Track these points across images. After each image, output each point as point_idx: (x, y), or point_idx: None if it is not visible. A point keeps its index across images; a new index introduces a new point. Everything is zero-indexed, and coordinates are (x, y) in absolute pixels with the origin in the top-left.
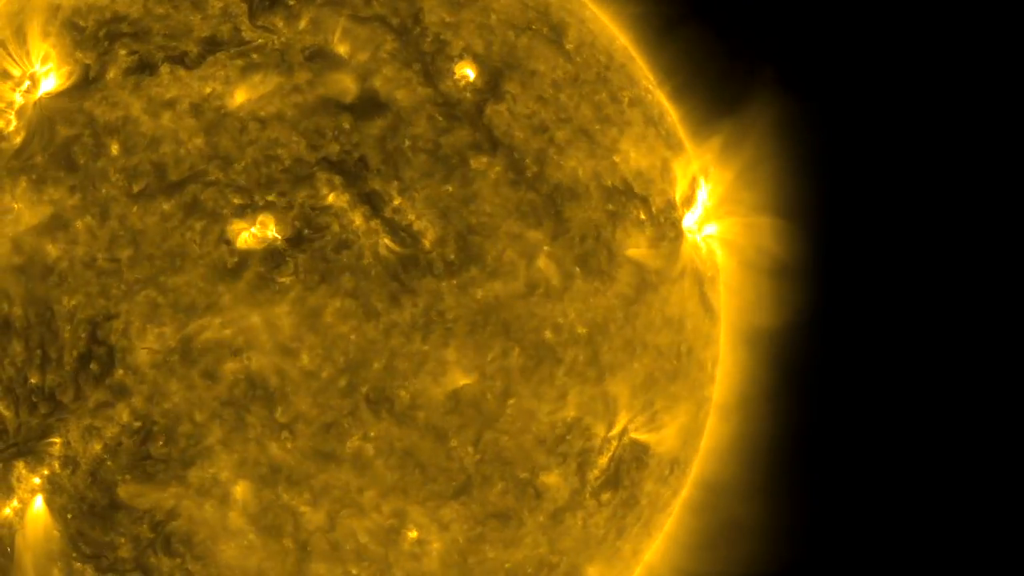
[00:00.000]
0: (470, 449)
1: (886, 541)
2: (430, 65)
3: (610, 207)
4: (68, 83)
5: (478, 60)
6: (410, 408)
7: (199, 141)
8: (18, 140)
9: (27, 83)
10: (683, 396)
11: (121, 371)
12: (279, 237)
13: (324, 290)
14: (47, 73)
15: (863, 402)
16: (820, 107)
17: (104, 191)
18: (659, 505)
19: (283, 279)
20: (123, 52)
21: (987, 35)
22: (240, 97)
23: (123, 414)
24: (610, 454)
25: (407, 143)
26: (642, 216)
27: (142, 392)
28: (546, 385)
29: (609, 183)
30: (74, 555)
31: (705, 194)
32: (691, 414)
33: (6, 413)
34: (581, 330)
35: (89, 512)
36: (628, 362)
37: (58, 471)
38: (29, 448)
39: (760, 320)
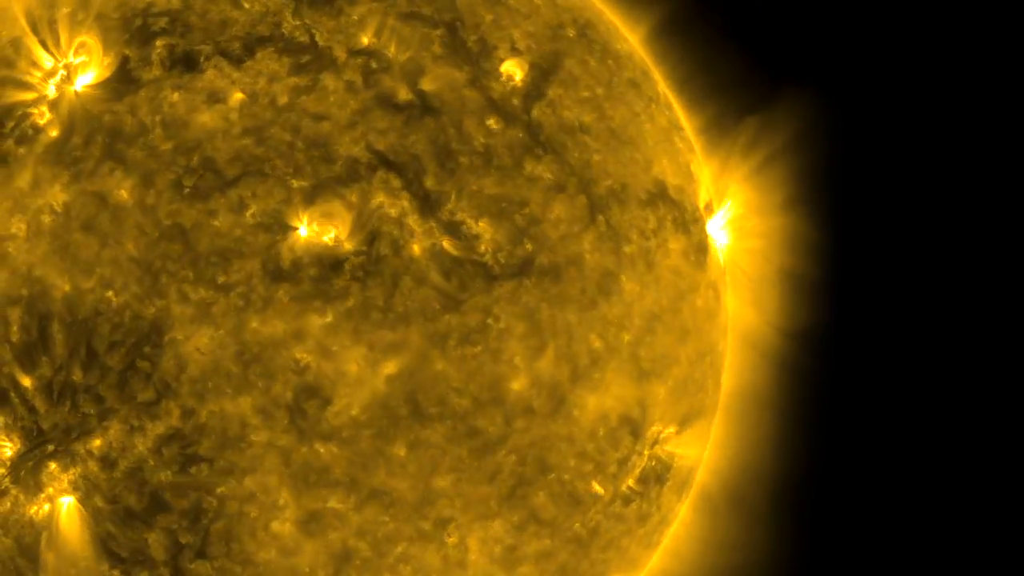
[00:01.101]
0: (513, 457)
1: (893, 545)
2: (477, 66)
3: (648, 213)
4: (107, 76)
5: (523, 60)
6: (461, 414)
7: (250, 138)
8: (54, 133)
9: (61, 74)
10: (705, 406)
11: (170, 370)
12: (336, 238)
13: (380, 292)
14: (83, 65)
15: (873, 409)
16: (836, 112)
17: (154, 187)
18: (669, 518)
19: (340, 281)
20: (163, 45)
21: (1009, 40)
22: (291, 95)
23: (170, 414)
24: (643, 465)
25: (461, 145)
26: (677, 222)
27: (191, 391)
28: (592, 392)
29: (648, 188)
30: (103, 556)
31: (722, 200)
32: (707, 424)
33: (42, 410)
34: (626, 337)
35: (124, 512)
36: (665, 371)
37: (94, 470)
38: (66, 447)
39: (773, 326)
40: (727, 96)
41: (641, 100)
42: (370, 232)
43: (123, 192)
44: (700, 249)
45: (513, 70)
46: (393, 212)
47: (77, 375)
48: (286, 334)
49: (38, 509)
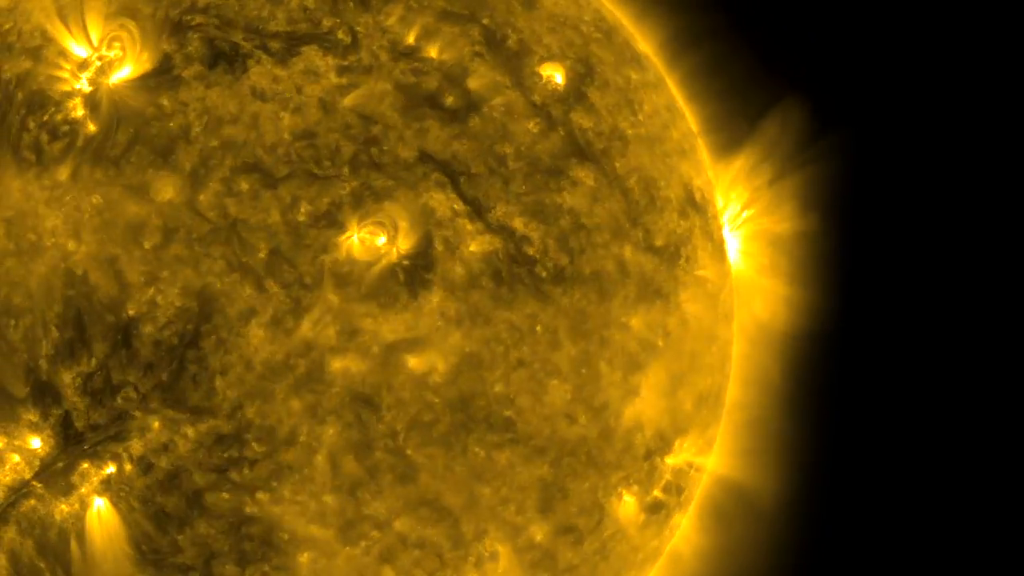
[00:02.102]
0: (551, 466)
1: (900, 550)
2: (517, 68)
3: (680, 219)
4: (145, 71)
5: (561, 64)
6: (507, 421)
7: (298, 139)
8: (92, 127)
9: (95, 67)
10: (718, 415)
11: (214, 371)
12: (388, 241)
13: (432, 296)
14: (118, 59)
15: (881, 414)
16: (846, 119)
17: (201, 186)
18: (675, 530)
19: (392, 284)
20: (203, 40)
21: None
22: (338, 94)
23: (214, 416)
24: (668, 475)
25: (507, 148)
26: (703, 229)
27: (235, 394)
28: (629, 402)
29: (679, 195)
30: (135, 559)
31: (734, 205)
32: (717, 430)
33: (79, 408)
34: (661, 343)
35: (159, 515)
36: (692, 381)
37: (130, 471)
38: (103, 446)
39: (779, 327)
40: (737, 103)
41: (664, 106)
42: (422, 235)
43: (169, 190)
44: (721, 255)
45: (552, 73)
46: (445, 214)
47: (118, 374)
48: (336, 338)
49: (68, 509)
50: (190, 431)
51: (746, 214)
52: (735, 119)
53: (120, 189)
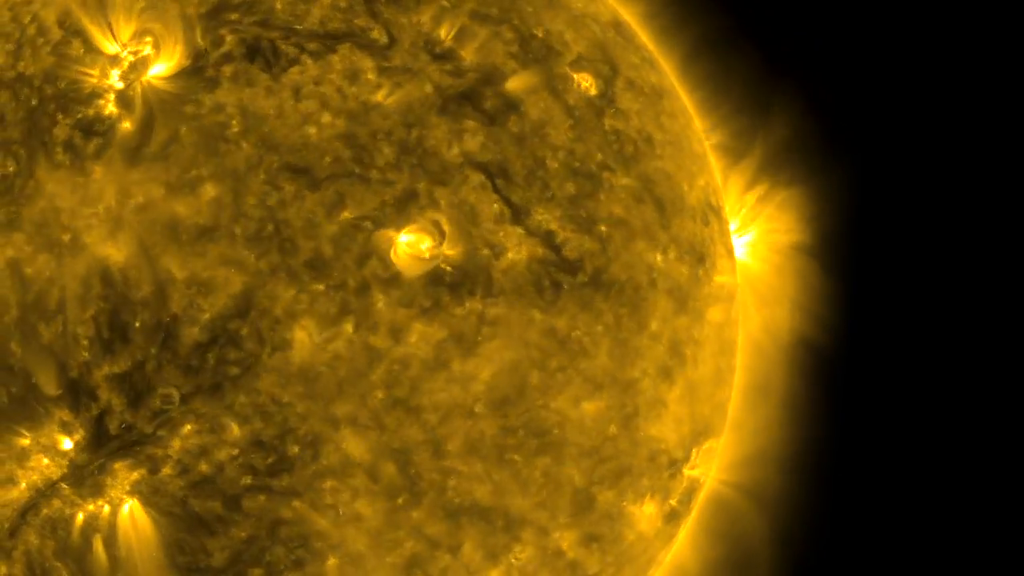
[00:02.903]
0: (584, 475)
1: (905, 558)
2: (549, 70)
3: (702, 226)
4: (181, 68)
5: (591, 67)
6: (546, 429)
7: (340, 140)
8: (127, 124)
9: (127, 62)
10: (724, 423)
11: (257, 375)
12: (433, 245)
13: (477, 303)
14: (150, 55)
15: (885, 424)
16: (852, 124)
17: (244, 186)
18: (676, 540)
19: (437, 290)
20: (239, 38)
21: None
22: (377, 95)
23: (254, 420)
24: (685, 483)
25: (545, 151)
26: (721, 237)
27: (278, 399)
28: (658, 413)
29: (701, 201)
30: (165, 564)
31: (740, 211)
32: (721, 438)
33: (115, 409)
34: (688, 352)
35: (191, 520)
36: (711, 391)
37: (166, 473)
38: (139, 447)
39: (787, 331)
40: (741, 106)
41: (680, 110)
42: (467, 239)
43: (210, 190)
44: (733, 263)
45: (583, 75)
46: (488, 219)
47: (157, 375)
48: (379, 342)
49: (94, 512)
50: (229, 434)
51: (751, 222)
52: (742, 126)
53: (159, 188)
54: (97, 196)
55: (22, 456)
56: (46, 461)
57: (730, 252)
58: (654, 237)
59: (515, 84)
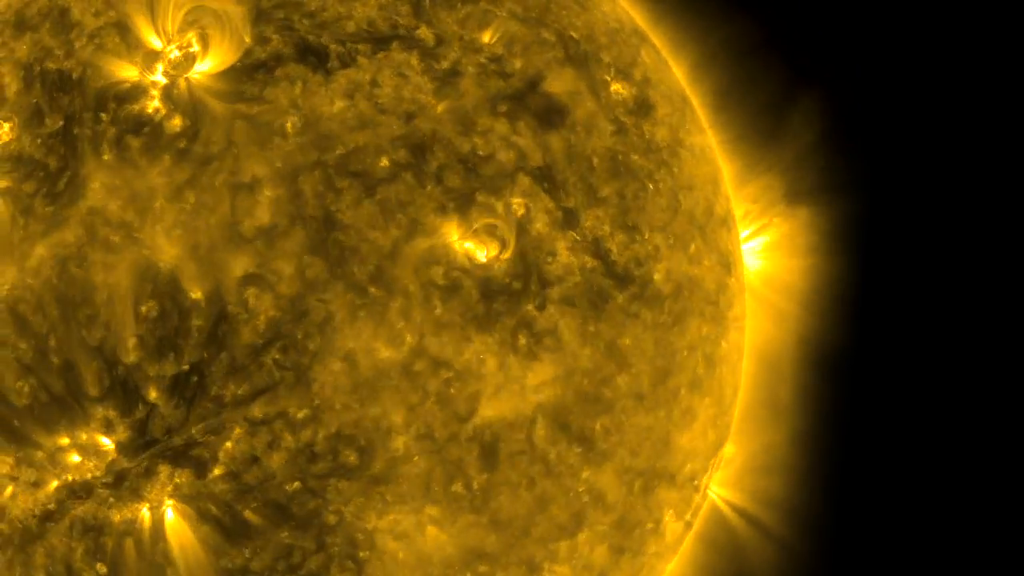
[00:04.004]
0: (622, 488)
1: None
2: (589, 74)
3: (726, 232)
4: (228, 65)
5: (625, 71)
6: (593, 441)
7: (394, 141)
8: (176, 122)
9: (171, 57)
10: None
11: (312, 379)
12: (491, 250)
13: (531, 312)
14: (198, 51)
15: (892, 434)
16: (867, 133)
17: (298, 188)
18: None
19: (493, 296)
20: (287, 37)
21: None
22: (429, 96)
23: (307, 425)
24: (697, 499)
25: (592, 156)
26: (736, 244)
27: (332, 403)
28: (688, 426)
29: (724, 207)
30: (209, 566)
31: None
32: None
33: (163, 411)
34: (716, 360)
35: (239, 522)
36: (730, 400)
37: (213, 476)
38: (186, 450)
39: (793, 339)
40: (752, 113)
41: (698, 120)
42: (522, 246)
43: (267, 191)
44: (742, 274)
45: (620, 80)
46: (543, 225)
47: (208, 377)
48: (435, 351)
49: (132, 515)
50: (281, 439)
51: (760, 234)
52: (755, 133)
53: (213, 187)
54: (148, 194)
55: (57, 455)
56: (83, 461)
57: (741, 260)
58: (690, 246)
59: (560, 87)
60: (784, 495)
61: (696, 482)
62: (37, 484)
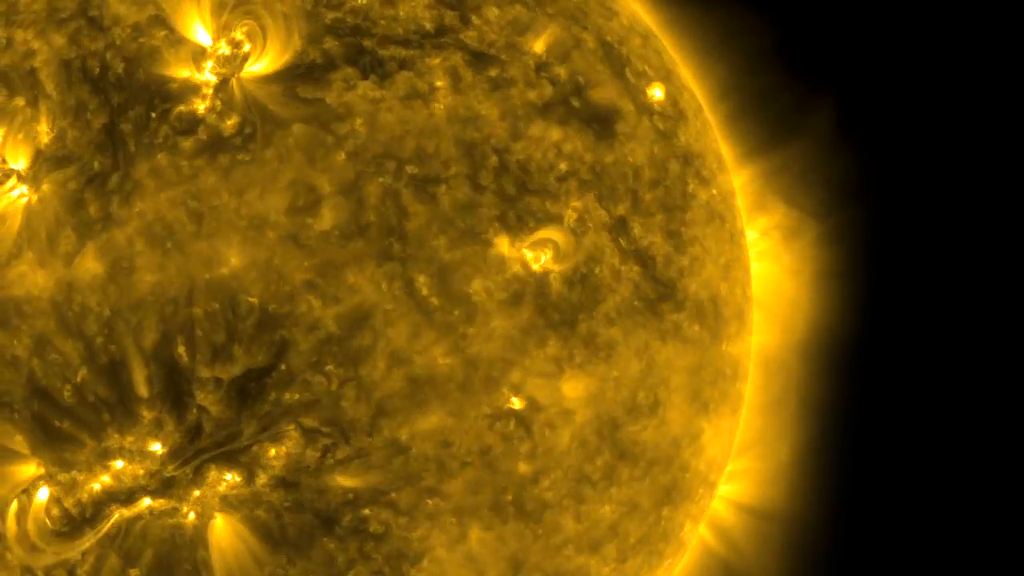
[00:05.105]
0: (664, 495)
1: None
2: (631, 83)
3: (744, 240)
4: (281, 67)
5: (657, 76)
6: (640, 453)
7: (453, 146)
8: (230, 122)
9: (221, 54)
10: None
11: (371, 390)
12: (548, 261)
13: (584, 323)
14: (248, 52)
15: (897, 439)
16: (871, 135)
17: (362, 192)
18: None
19: (551, 308)
20: (341, 40)
21: None
22: (485, 105)
23: (364, 436)
24: (712, 506)
25: (639, 166)
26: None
27: (389, 415)
28: (718, 435)
29: (740, 217)
30: (254, 573)
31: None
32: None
33: (216, 414)
34: (742, 378)
35: (286, 529)
36: (740, 407)
37: (262, 483)
38: (236, 456)
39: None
40: (761, 113)
41: (710, 127)
42: (579, 256)
43: (326, 198)
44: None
45: (654, 86)
46: (597, 235)
47: (264, 382)
48: (500, 360)
49: (178, 520)
50: (335, 448)
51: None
52: (762, 128)
53: (270, 192)
54: (203, 196)
55: (103, 457)
56: (128, 464)
57: (749, 268)
58: (720, 256)
59: (604, 94)
60: (787, 501)
61: (713, 491)
62: (78, 486)
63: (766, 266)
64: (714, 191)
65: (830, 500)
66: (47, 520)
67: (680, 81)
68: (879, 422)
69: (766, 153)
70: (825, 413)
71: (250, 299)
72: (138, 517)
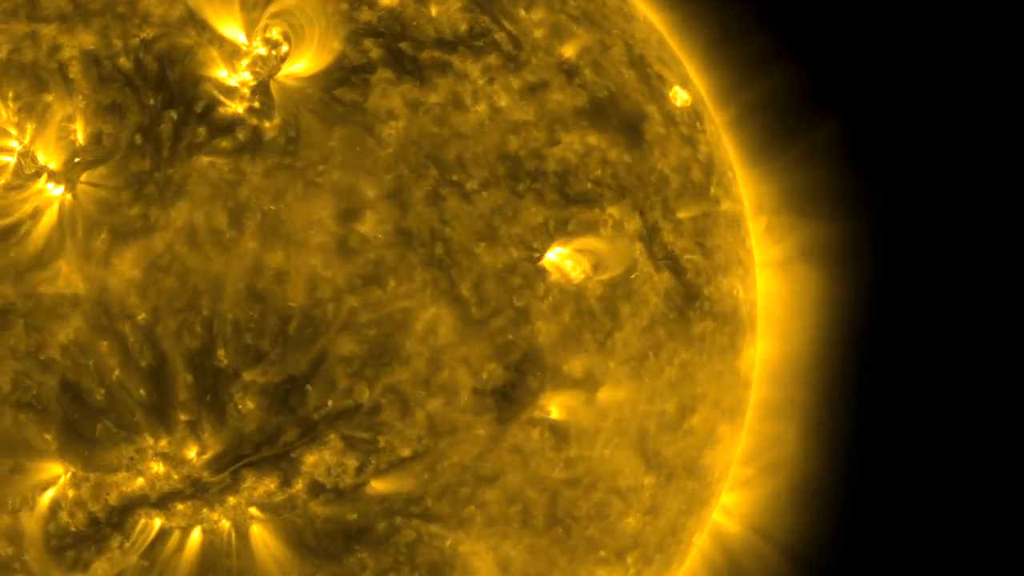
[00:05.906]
0: (683, 502)
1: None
2: (656, 87)
3: (752, 248)
4: (320, 67)
5: (679, 81)
6: (664, 460)
7: (493, 154)
8: (270, 124)
9: (256, 54)
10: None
11: (412, 400)
12: (588, 270)
13: (618, 337)
14: (285, 51)
15: (902, 452)
16: (874, 149)
17: (406, 197)
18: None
19: (593, 319)
20: (374, 41)
21: None
22: (525, 111)
23: (402, 446)
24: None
25: (668, 173)
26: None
27: (428, 426)
28: (729, 443)
29: (751, 224)
30: None
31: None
32: None
33: (254, 419)
34: (750, 387)
35: (319, 537)
36: (743, 416)
37: (298, 490)
38: (275, 462)
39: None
40: (769, 120)
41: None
42: (618, 266)
43: (369, 203)
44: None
45: (678, 91)
46: (632, 243)
47: (304, 388)
48: (536, 377)
49: (209, 526)
50: (374, 457)
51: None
52: (768, 134)
53: (312, 196)
54: (244, 199)
55: (136, 460)
56: (163, 468)
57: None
58: (738, 263)
59: (632, 99)
60: (788, 508)
61: (718, 499)
62: (105, 487)
63: (767, 272)
64: (732, 197)
65: (832, 521)
66: (70, 522)
67: (694, 85)
68: (882, 430)
69: (769, 158)
70: (826, 420)
71: (291, 304)
72: (171, 523)
